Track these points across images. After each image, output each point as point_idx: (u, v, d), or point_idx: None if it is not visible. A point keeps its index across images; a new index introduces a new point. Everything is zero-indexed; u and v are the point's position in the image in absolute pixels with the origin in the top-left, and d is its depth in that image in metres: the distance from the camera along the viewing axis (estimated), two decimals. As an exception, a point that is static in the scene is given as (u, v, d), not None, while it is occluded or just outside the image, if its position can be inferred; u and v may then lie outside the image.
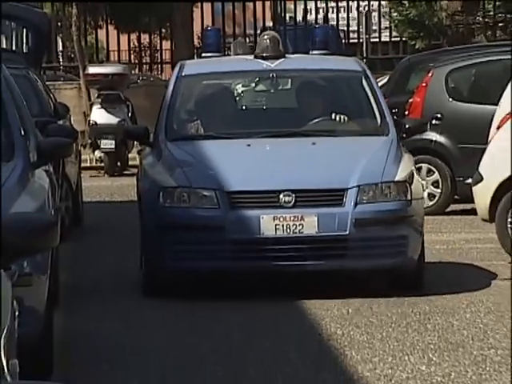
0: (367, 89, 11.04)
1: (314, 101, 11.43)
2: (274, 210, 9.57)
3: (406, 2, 33.84)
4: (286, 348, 8.32)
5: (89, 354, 8.37)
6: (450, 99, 15.65)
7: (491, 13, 32.88)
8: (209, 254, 9.59)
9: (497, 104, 12.76)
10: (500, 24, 32.88)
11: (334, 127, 11.13)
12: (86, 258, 13.58)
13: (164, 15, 31.81)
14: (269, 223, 9.45)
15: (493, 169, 11.85)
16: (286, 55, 11.43)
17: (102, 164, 23.05)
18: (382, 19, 35.86)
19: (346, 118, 11.16)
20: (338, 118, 11.18)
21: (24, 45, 16.39)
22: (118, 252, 13.57)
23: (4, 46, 16.30)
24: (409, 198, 9.73)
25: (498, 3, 32.61)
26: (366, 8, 44.05)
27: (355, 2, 36.50)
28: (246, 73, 11.56)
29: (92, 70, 24.48)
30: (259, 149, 10.44)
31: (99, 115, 22.59)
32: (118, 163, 22.84)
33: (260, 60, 11.10)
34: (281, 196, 9.51)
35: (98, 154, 22.92)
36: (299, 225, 9.45)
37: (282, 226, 9.44)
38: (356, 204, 9.55)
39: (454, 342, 8.39)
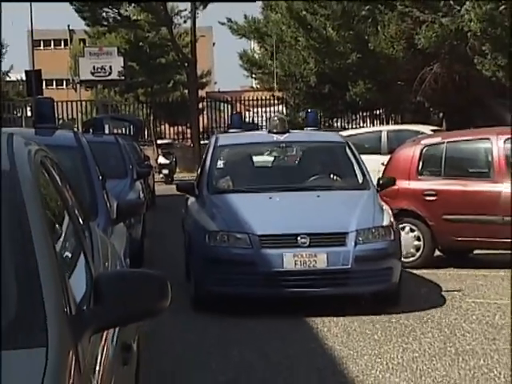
0: (350, 155, 13.46)
1: (312, 163, 14.12)
2: (293, 249, 11.28)
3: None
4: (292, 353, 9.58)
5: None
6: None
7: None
8: (243, 282, 11.32)
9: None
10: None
11: (329, 183, 13.46)
12: (157, 217, 22.12)
13: (187, 117, 49.71)
14: (290, 259, 11.21)
15: None
16: (290, 131, 14.03)
17: (163, 179, 38.13)
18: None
19: (336, 177, 13.78)
20: (331, 176, 13.87)
21: (131, 131, 32.35)
22: (171, 214, 20.60)
23: (123, 132, 29.94)
24: (393, 238, 11.71)
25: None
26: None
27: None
28: (263, 143, 14.17)
29: (159, 141, 43.25)
30: (278, 200, 12.33)
31: (161, 159, 38.87)
32: (169, 179, 38.23)
33: (272, 134, 13.76)
34: (298, 238, 11.31)
35: (161, 175, 38.33)
36: (313, 260, 11.22)
37: (300, 261, 11.22)
38: (356, 244, 11.33)
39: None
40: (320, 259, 11.23)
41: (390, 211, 12.30)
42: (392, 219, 12.08)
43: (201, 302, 11.68)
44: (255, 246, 11.30)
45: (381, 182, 13.12)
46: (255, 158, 14.27)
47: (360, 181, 13.04)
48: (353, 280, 11.37)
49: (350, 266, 11.25)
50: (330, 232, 11.49)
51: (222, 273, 11.36)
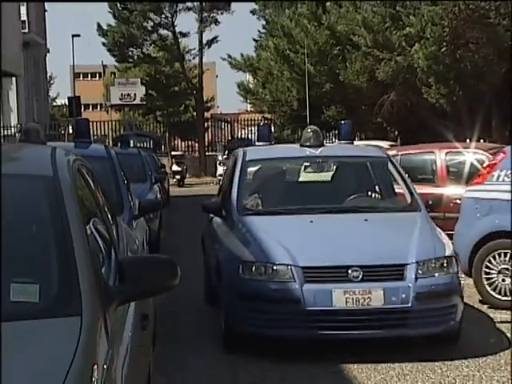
0: (393, 171, 9.85)
1: (350, 180, 10.28)
2: (344, 283, 7.87)
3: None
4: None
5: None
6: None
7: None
8: (285, 323, 7.89)
9: None
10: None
11: (374, 204, 9.81)
12: (171, 213, 21.50)
13: (195, 133, 49.36)
14: (340, 296, 7.82)
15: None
16: (325, 144, 10.43)
17: (176, 183, 37.34)
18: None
19: (378, 195, 10.12)
20: (373, 195, 10.14)
21: (151, 145, 31.44)
22: (182, 211, 22.86)
23: (144, 146, 29.44)
24: (456, 270, 8.27)
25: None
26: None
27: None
28: (296, 158, 10.33)
29: (172, 153, 42.36)
30: (321, 225, 8.75)
31: (175, 167, 38.70)
32: (181, 183, 38.28)
33: (305, 148, 10.01)
34: (349, 271, 7.89)
35: (174, 180, 37.40)
36: (367, 298, 7.84)
37: (352, 298, 7.82)
38: (416, 278, 7.94)
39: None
40: (375, 296, 7.87)
41: (447, 238, 8.92)
42: (452, 247, 8.68)
43: (232, 343, 8.34)
44: (298, 280, 7.89)
45: (430, 202, 9.51)
46: (288, 175, 10.57)
47: (408, 201, 9.41)
48: (413, 320, 7.98)
49: (410, 305, 7.90)
50: (387, 264, 8.08)
51: (258, 311, 8.00)
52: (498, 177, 10.51)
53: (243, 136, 47.43)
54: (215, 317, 8.87)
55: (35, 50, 42.08)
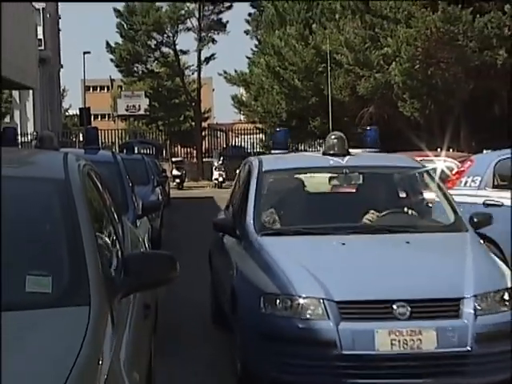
0: (431, 184, 7.65)
1: (384, 195, 7.86)
2: (388, 322, 5.64)
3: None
4: None
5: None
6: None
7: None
8: (315, 369, 5.70)
9: None
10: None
11: (412, 222, 7.27)
12: (171, 213, 21.27)
13: (193, 141, 48.47)
14: (384, 338, 5.61)
15: None
16: (350, 152, 7.84)
17: (175, 186, 36.52)
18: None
19: (413, 212, 7.58)
20: (410, 212, 7.57)
21: (153, 152, 28.83)
22: (181, 211, 22.98)
23: (147, 152, 27.34)
24: None
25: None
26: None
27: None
28: (320, 169, 7.98)
29: (173, 159, 41.25)
30: (355, 248, 6.49)
31: (175, 171, 37.98)
32: (180, 186, 37.49)
33: (328, 156, 7.68)
34: (394, 307, 5.65)
35: (174, 183, 36.60)
36: (417, 340, 5.64)
37: (399, 341, 5.63)
38: (475, 315, 5.75)
39: None
40: (427, 338, 5.74)
41: (504, 264, 6.69)
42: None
43: None
44: (333, 318, 5.72)
45: (475, 219, 7.14)
46: (312, 188, 8.21)
47: (451, 219, 7.14)
48: (471, 367, 5.83)
49: (469, 348, 5.77)
50: (439, 298, 5.91)
51: (283, 354, 5.84)
52: (466, 182, 10.54)
53: (237, 144, 48.17)
54: (223, 338, 7.54)
55: (50, 66, 42.04)
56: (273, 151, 8.80)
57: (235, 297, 6.49)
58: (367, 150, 8.61)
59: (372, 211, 7.23)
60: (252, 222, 6.97)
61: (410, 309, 5.76)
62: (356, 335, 5.72)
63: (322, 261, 6.35)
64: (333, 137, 7.88)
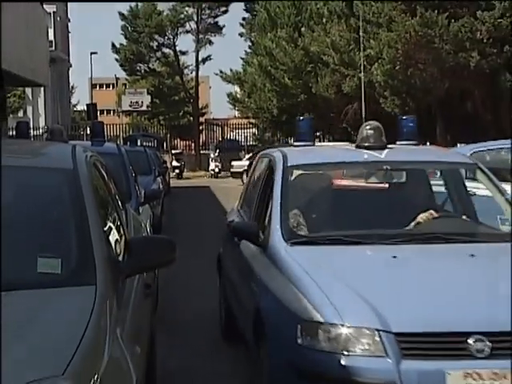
0: (487, 182, 5.77)
1: (431, 196, 6.11)
2: (463, 361, 3.90)
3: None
4: None
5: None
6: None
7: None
8: None
9: None
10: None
11: (470, 229, 5.50)
12: (171, 201, 20.69)
13: (192, 135, 49.02)
14: (458, 382, 3.88)
15: None
16: (388, 146, 5.91)
17: (175, 176, 35.54)
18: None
19: (469, 217, 5.80)
20: (465, 217, 5.80)
21: (155, 146, 28.96)
22: (180, 199, 22.43)
23: (149, 145, 27.07)
24: None
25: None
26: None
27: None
28: (354, 164, 5.89)
29: (173, 151, 39.95)
30: (411, 263, 4.78)
31: (174, 163, 36.83)
32: (179, 176, 36.48)
33: (363, 150, 5.78)
34: (470, 341, 3.91)
35: (174, 173, 35.49)
36: None
37: None
38: None
39: None
40: None
41: None
42: None
43: None
44: (392, 354, 3.96)
45: None
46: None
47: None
48: None
49: None
50: None
51: None
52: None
53: (232, 138, 47.91)
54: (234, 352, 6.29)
55: (60, 65, 41.93)
56: (295, 143, 6.63)
57: (261, 322, 4.60)
58: (403, 142, 6.44)
59: (423, 215, 5.41)
60: (279, 228, 5.08)
61: (490, 344, 3.96)
62: (422, 378, 3.93)
63: (373, 279, 4.46)
64: (368, 127, 5.99)
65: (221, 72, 46.08)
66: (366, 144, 5.90)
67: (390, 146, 6.02)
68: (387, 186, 6.01)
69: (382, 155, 5.81)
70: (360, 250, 4.92)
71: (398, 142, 6.44)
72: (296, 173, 5.89)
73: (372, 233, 5.11)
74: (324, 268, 4.63)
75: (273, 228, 5.15)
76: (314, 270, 4.57)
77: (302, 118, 6.88)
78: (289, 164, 5.74)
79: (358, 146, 5.98)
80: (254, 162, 7.13)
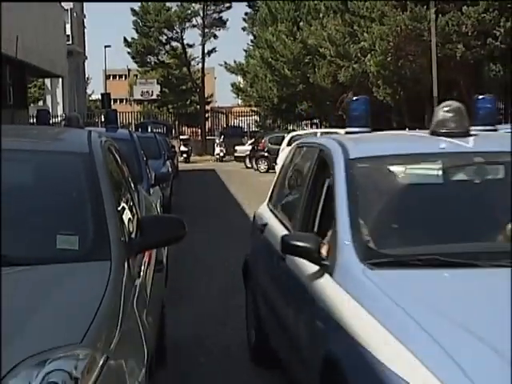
0: None
1: None
2: None
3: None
4: None
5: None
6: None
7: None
8: None
9: None
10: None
11: None
12: (179, 183, 20.76)
13: (198, 122, 48.67)
14: None
15: None
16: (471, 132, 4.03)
17: (183, 160, 35.17)
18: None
19: None
20: None
21: (164, 132, 29.84)
22: (188, 181, 22.64)
23: (159, 131, 27.38)
24: None
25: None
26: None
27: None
28: (434, 156, 3.87)
29: (181, 137, 40.07)
30: None
31: (182, 148, 36.66)
32: (187, 160, 36.29)
33: (442, 137, 3.98)
34: None
35: (182, 158, 35.04)
36: None
37: None
38: None
39: None
40: None
41: None
42: None
43: None
44: None
45: None
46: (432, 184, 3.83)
47: None
48: None
49: None
50: None
51: None
52: None
53: (235, 124, 47.96)
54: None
55: (76, 58, 42.00)
56: (348, 129, 4.75)
57: (339, 373, 2.91)
58: (478, 126, 4.47)
59: None
60: (351, 243, 3.37)
61: None
62: None
63: (495, 319, 2.78)
64: (446, 108, 4.12)
65: (225, 63, 46.12)
66: (445, 130, 4.05)
67: (473, 133, 4.13)
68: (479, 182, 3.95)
69: (469, 144, 3.97)
70: (465, 275, 3.15)
71: (473, 127, 4.26)
72: (365, 169, 3.90)
73: (474, 251, 3.34)
74: (427, 303, 2.88)
75: (340, 243, 3.40)
76: (414, 305, 2.85)
77: (355, 98, 4.85)
78: (351, 156, 3.90)
79: (433, 133, 4.15)
80: (289, 154, 5.41)
